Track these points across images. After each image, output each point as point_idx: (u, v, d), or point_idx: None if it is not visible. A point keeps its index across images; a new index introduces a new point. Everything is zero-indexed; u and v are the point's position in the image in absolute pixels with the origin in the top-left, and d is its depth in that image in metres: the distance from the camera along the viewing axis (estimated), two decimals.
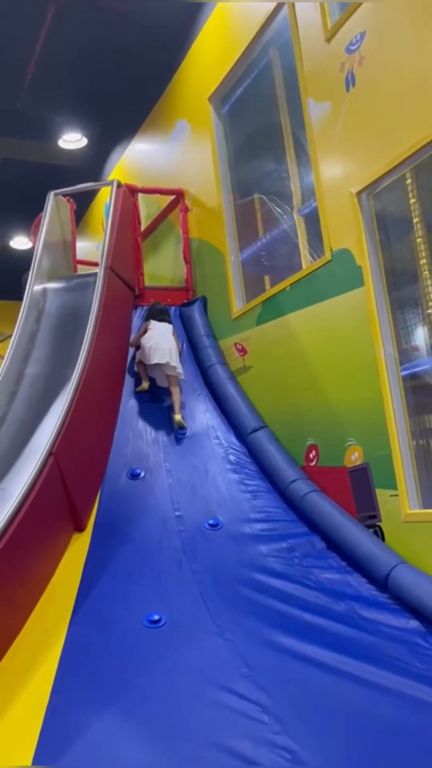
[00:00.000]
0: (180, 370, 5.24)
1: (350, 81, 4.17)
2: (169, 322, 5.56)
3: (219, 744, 2.46)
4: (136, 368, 5.46)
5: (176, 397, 5.14)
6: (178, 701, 2.74)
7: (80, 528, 3.99)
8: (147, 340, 5.31)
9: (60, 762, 2.40)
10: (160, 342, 5.25)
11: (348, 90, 4.19)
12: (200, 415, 5.23)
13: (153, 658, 3.04)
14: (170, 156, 6.80)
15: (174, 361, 5.20)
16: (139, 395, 5.29)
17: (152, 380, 5.37)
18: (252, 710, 2.65)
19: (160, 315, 5.58)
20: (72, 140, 7.88)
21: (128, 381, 5.40)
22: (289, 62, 5.03)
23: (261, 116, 5.64)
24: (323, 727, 2.63)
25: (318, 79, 4.51)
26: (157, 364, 5.18)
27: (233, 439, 4.98)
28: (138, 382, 5.37)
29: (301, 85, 4.71)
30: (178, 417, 5.04)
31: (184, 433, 5.01)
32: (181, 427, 5.02)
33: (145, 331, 5.44)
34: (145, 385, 5.28)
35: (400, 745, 2.54)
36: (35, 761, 2.43)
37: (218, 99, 6.01)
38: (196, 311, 5.98)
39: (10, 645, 3.07)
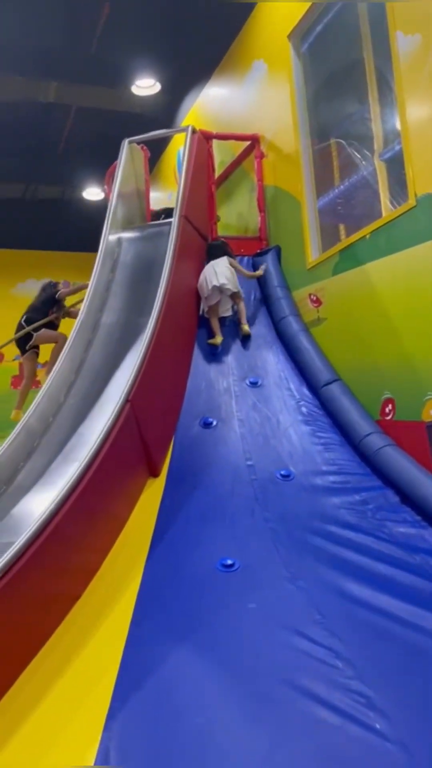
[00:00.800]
0: (237, 289, 5.35)
1: None
2: (222, 256, 5.46)
3: (292, 684, 2.50)
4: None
5: (241, 310, 5.39)
6: (252, 642, 2.80)
7: (155, 473, 4.08)
8: (200, 283, 5.36)
9: (139, 694, 2.51)
10: (209, 276, 5.30)
11: None
12: (272, 367, 5.19)
13: (226, 601, 3.10)
14: (246, 99, 6.59)
15: (228, 282, 5.25)
16: (212, 347, 5.29)
17: (222, 320, 5.38)
18: (325, 655, 2.68)
19: (212, 254, 5.51)
20: (145, 86, 7.76)
21: (201, 332, 5.41)
22: None
23: (343, 54, 5.37)
24: (396, 676, 2.63)
25: (408, 10, 4.22)
26: (212, 293, 5.24)
27: (306, 391, 4.93)
28: (210, 335, 5.36)
29: (389, 18, 4.43)
30: (245, 327, 5.32)
31: (249, 340, 5.32)
32: (246, 335, 5.30)
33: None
34: (218, 339, 5.25)
35: None
36: (116, 689, 2.55)
37: (298, 36, 5.74)
38: (269, 261, 5.87)
39: (90, 580, 3.20)
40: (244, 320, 5.37)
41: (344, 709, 2.37)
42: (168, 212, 5.85)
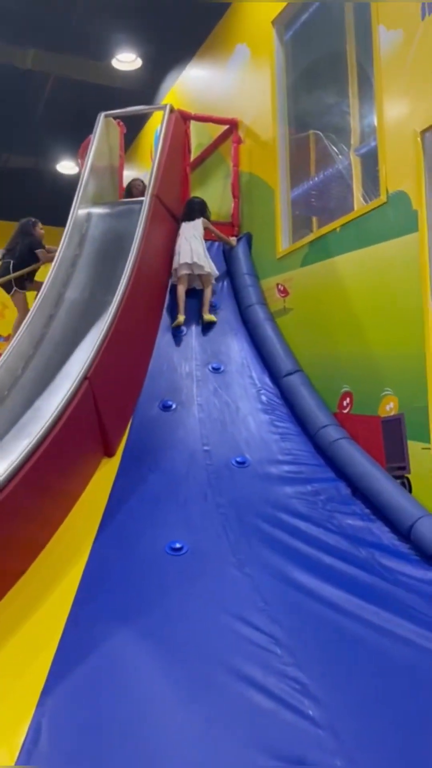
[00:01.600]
0: (209, 268, 5.30)
1: (427, 8, 3.89)
2: (198, 218, 5.47)
3: (231, 668, 2.52)
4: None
5: (206, 297, 5.31)
6: (194, 626, 2.81)
7: (110, 453, 4.04)
8: (176, 247, 5.35)
9: (77, 671, 2.50)
10: (182, 244, 5.31)
11: (423, 18, 3.92)
12: (236, 354, 5.18)
13: (172, 584, 3.11)
14: (227, 83, 6.52)
15: (200, 259, 5.25)
16: (177, 329, 5.25)
17: (192, 291, 5.37)
18: (265, 641, 2.71)
19: (188, 214, 5.54)
20: (126, 60, 7.60)
21: (167, 312, 5.36)
22: None
23: (326, 44, 5.34)
24: (334, 664, 2.68)
25: (391, 5, 4.22)
26: (181, 267, 5.23)
27: (267, 380, 4.94)
28: (175, 311, 5.30)
29: (373, 11, 4.42)
30: (206, 315, 5.23)
31: (212, 326, 5.24)
32: (208, 323, 5.22)
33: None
34: (181, 318, 5.21)
35: (407, 687, 2.57)
36: (53, 666, 2.54)
37: (282, 23, 5.69)
38: (239, 248, 5.84)
39: (37, 556, 3.17)
40: (207, 307, 5.28)
41: (279, 695, 2.40)
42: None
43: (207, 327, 5.34)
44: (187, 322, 5.31)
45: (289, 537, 3.50)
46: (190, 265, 5.28)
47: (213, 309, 5.50)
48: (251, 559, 3.29)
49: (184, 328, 5.26)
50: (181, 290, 5.29)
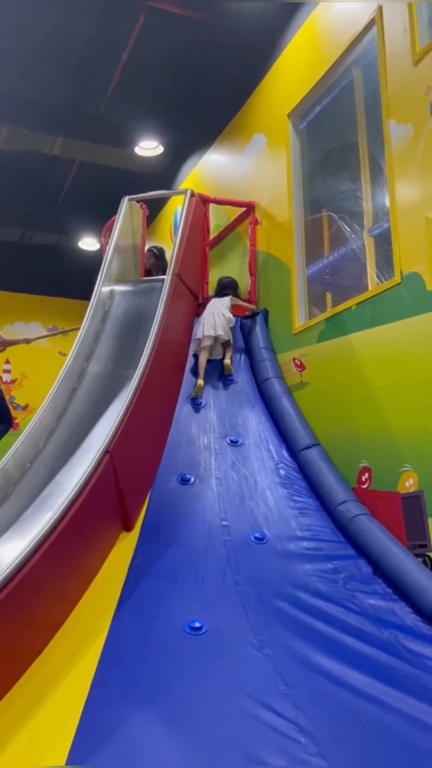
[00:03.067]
0: (229, 337, 5.68)
1: None
2: (228, 294, 5.99)
3: (254, 757, 2.44)
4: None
5: (228, 351, 5.67)
6: (215, 711, 2.74)
7: (129, 527, 4.04)
8: (201, 319, 5.76)
9: (96, 757, 2.43)
10: (207, 317, 5.71)
11: None
12: (253, 427, 5.23)
13: (192, 665, 3.04)
14: (244, 169, 6.87)
15: (223, 332, 5.64)
16: (195, 400, 5.33)
17: (210, 362, 5.64)
18: (288, 728, 2.63)
19: (220, 291, 6.07)
20: (148, 147, 8.06)
21: (184, 386, 5.46)
22: (372, 83, 5.02)
23: (339, 135, 5.65)
24: (360, 754, 2.58)
25: (402, 102, 4.50)
26: (206, 338, 5.59)
27: (285, 453, 4.96)
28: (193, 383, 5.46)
29: (384, 107, 4.70)
30: (227, 362, 5.58)
31: (232, 380, 5.54)
32: (229, 373, 5.55)
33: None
34: (201, 383, 5.39)
35: None
36: (72, 752, 2.47)
37: (297, 115, 6.05)
38: (257, 324, 6.00)
39: (55, 633, 3.13)
40: (228, 358, 5.66)
41: None
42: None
43: (226, 398, 5.43)
44: (206, 395, 5.41)
45: (310, 617, 3.43)
46: (214, 337, 5.62)
47: (231, 381, 5.63)
48: (272, 640, 3.23)
49: (203, 401, 5.34)
50: (203, 358, 5.58)
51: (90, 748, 2.48)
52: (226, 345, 5.71)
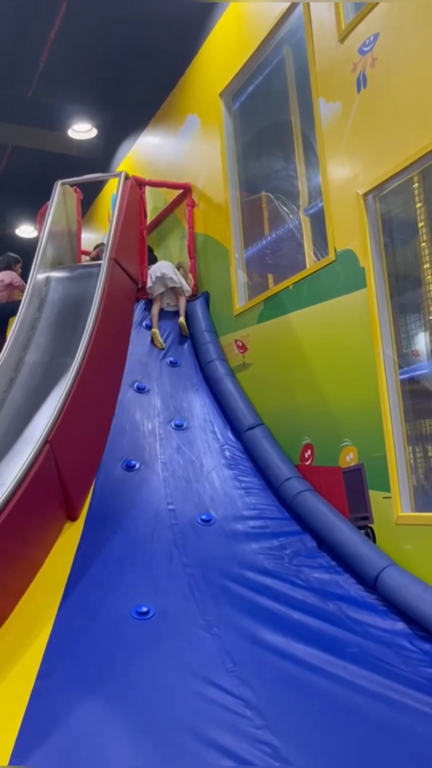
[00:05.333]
0: (184, 285, 5.99)
1: (362, 82, 4.17)
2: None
3: (201, 735, 2.47)
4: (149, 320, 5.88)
5: (182, 304, 5.93)
6: (163, 692, 2.75)
7: (73, 517, 3.99)
8: (150, 273, 6.05)
9: (42, 747, 2.41)
10: (154, 270, 6.04)
11: (359, 91, 4.19)
12: (198, 410, 5.23)
13: (139, 649, 3.05)
14: (179, 150, 6.79)
15: (174, 275, 5.96)
16: (139, 384, 5.29)
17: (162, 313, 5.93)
18: (235, 704, 2.66)
19: (150, 258, 6.37)
20: (82, 130, 7.89)
21: (127, 372, 5.41)
22: (301, 61, 5.02)
23: (271, 114, 5.64)
24: (305, 724, 2.64)
25: (330, 79, 4.51)
26: (156, 284, 5.92)
27: (230, 435, 4.99)
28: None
29: (313, 85, 4.71)
30: (181, 320, 5.82)
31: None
32: (185, 333, 5.78)
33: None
34: (155, 330, 5.73)
35: (380, 744, 2.55)
36: (17, 743, 2.44)
37: (229, 95, 6.00)
38: (198, 307, 5.98)
39: None
40: (182, 313, 5.88)
41: (250, 760, 2.36)
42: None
43: (170, 382, 5.41)
44: (149, 380, 5.37)
45: (257, 595, 3.48)
46: (162, 279, 5.93)
47: (174, 365, 5.61)
48: (219, 619, 3.26)
49: (146, 384, 5.31)
50: (155, 308, 5.92)
51: (36, 739, 2.46)
52: (177, 293, 5.95)
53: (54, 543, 3.80)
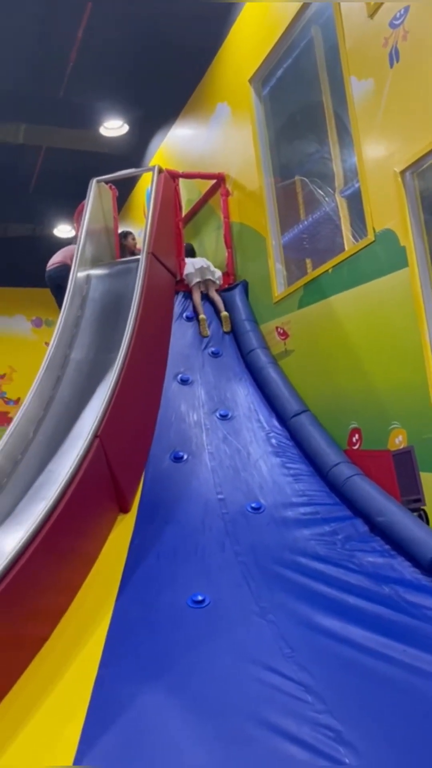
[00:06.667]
0: (217, 276, 6.12)
1: (394, 57, 4.08)
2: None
3: (263, 721, 2.49)
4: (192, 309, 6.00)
5: (217, 299, 6.00)
6: (222, 679, 2.78)
7: (125, 509, 4.06)
8: (186, 267, 6.11)
9: (108, 734, 2.48)
10: (187, 265, 6.11)
11: (392, 66, 4.10)
12: (242, 399, 5.24)
13: (197, 638, 3.09)
14: (211, 140, 6.78)
15: (211, 266, 6.11)
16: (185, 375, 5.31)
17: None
18: (295, 690, 2.68)
19: (190, 255, 6.45)
20: (113, 127, 7.92)
21: (169, 364, 5.45)
22: (331, 40, 4.94)
23: (302, 97, 5.57)
24: (366, 708, 2.63)
25: (361, 56, 4.42)
26: (194, 274, 6.03)
27: (275, 422, 4.98)
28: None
29: (344, 63, 4.62)
30: (225, 314, 5.86)
31: (229, 334, 5.78)
32: (227, 326, 5.80)
33: None
34: (202, 317, 5.79)
35: None
36: (84, 732, 2.51)
37: (258, 80, 5.95)
38: (237, 296, 5.98)
39: (59, 620, 3.16)
40: (222, 307, 5.94)
41: (313, 744, 2.36)
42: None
43: (213, 372, 5.43)
44: (192, 371, 5.41)
45: (311, 580, 3.48)
46: (201, 270, 6.04)
47: (216, 355, 5.63)
48: (274, 605, 3.28)
49: (189, 376, 5.35)
50: (196, 296, 6.02)
51: (102, 725, 2.52)
52: (210, 285, 6.04)
53: (108, 536, 3.88)
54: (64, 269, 6.22)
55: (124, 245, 6.33)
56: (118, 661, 2.91)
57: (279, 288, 5.57)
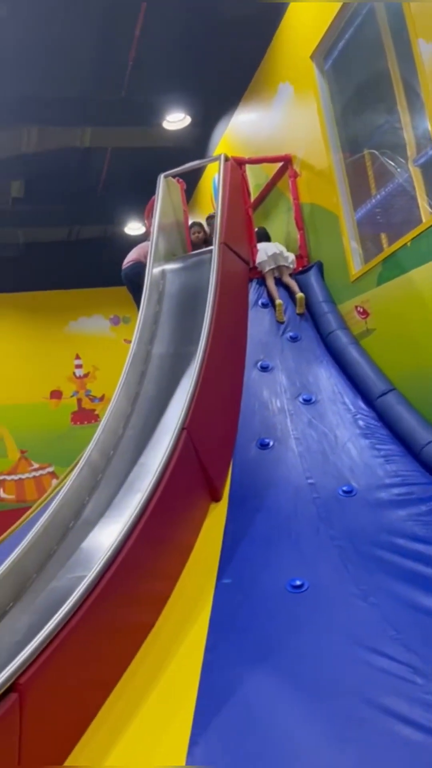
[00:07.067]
0: (291, 260, 6.06)
1: None
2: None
3: (374, 702, 2.48)
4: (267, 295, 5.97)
5: (292, 282, 5.93)
6: (329, 662, 2.79)
7: (217, 498, 4.11)
8: (259, 254, 6.06)
9: (220, 717, 2.53)
10: (260, 252, 6.07)
11: None
12: (325, 382, 5.18)
13: (299, 622, 3.10)
14: (275, 122, 6.70)
15: (278, 249, 6.05)
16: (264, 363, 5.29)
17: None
18: (404, 671, 2.64)
19: (259, 239, 6.35)
20: (176, 120, 7.97)
21: (248, 352, 5.45)
22: (394, 5, 4.75)
23: (367, 67, 5.40)
24: None
25: (428, 18, 4.24)
26: (272, 257, 5.98)
27: (361, 404, 4.89)
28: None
29: (410, 27, 4.44)
30: (300, 295, 5.77)
31: (302, 315, 5.76)
32: (301, 308, 5.74)
33: None
34: (279, 302, 5.75)
35: None
36: (196, 715, 2.58)
37: (320, 55, 5.81)
38: (312, 278, 5.90)
39: (163, 607, 3.26)
40: (297, 290, 5.86)
41: (427, 726, 2.33)
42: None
43: (293, 357, 5.40)
44: (271, 357, 5.39)
45: (411, 562, 3.41)
46: (274, 257, 5.97)
47: (294, 340, 5.59)
48: (375, 588, 3.24)
49: (269, 363, 5.33)
50: (270, 282, 5.99)
51: (214, 708, 2.58)
52: (284, 271, 5.98)
53: (202, 524, 3.95)
54: (139, 266, 6.34)
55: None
56: (223, 645, 2.96)
57: (356, 266, 5.45)
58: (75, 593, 2.66)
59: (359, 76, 5.57)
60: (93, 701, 2.69)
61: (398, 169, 5.19)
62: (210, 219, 6.40)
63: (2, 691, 2.21)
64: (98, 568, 2.82)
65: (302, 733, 2.39)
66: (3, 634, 2.77)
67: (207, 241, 6.36)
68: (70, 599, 2.63)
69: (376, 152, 5.45)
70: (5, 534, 5.64)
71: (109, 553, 2.91)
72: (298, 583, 3.31)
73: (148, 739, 2.55)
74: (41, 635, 2.43)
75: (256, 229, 6.40)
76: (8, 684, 2.24)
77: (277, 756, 2.31)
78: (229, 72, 7.11)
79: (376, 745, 2.30)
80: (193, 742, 2.43)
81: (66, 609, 2.57)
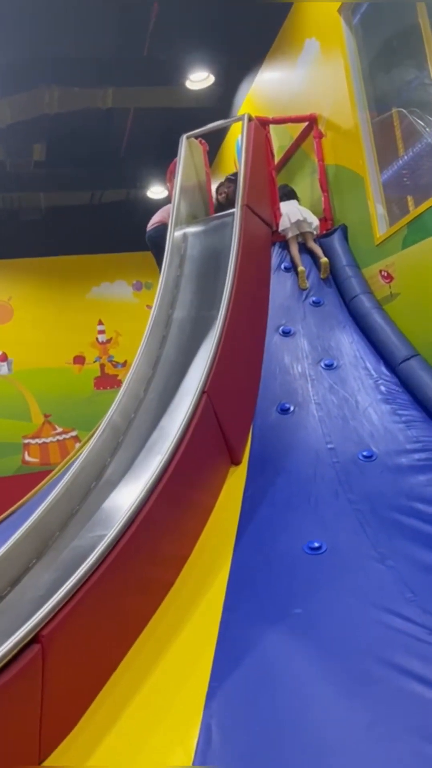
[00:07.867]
0: (315, 226, 5.95)
1: None
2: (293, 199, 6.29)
3: (389, 662, 2.51)
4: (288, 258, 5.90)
5: (315, 247, 5.86)
6: (345, 622, 2.82)
7: (236, 461, 4.14)
8: (282, 219, 5.94)
9: (238, 671, 2.59)
10: (283, 217, 5.94)
11: None
12: (347, 348, 5.14)
13: (316, 583, 3.14)
14: (300, 80, 6.52)
15: (308, 216, 5.94)
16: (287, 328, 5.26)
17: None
18: (420, 632, 2.67)
19: (286, 197, 6.24)
20: (198, 80, 7.80)
21: (270, 317, 5.42)
22: None
23: (397, 21, 5.20)
24: None
25: None
26: (295, 224, 5.87)
27: (383, 369, 4.85)
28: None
29: None
30: (325, 259, 5.69)
31: (326, 279, 5.70)
32: (326, 265, 5.66)
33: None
34: (301, 269, 5.68)
35: None
36: (214, 670, 2.64)
37: (349, 9, 5.61)
38: (336, 241, 5.80)
39: (183, 566, 3.32)
40: (321, 253, 5.79)
41: None
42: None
43: (315, 322, 5.36)
44: (293, 322, 5.35)
45: (430, 526, 3.41)
46: (298, 224, 5.89)
47: (317, 304, 5.54)
48: (393, 551, 3.25)
49: (291, 327, 5.30)
50: (293, 249, 5.90)
51: (232, 663, 2.64)
52: (308, 236, 5.89)
53: (221, 487, 3.98)
54: (163, 228, 6.27)
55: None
56: (241, 604, 3.01)
57: (381, 229, 5.34)
58: (96, 550, 2.72)
59: (388, 31, 5.37)
60: (114, 655, 2.77)
61: (427, 129, 5.03)
62: (231, 178, 6.28)
63: (26, 642, 2.28)
64: (119, 527, 2.87)
65: (315, 687, 2.44)
66: (26, 589, 2.86)
67: (231, 200, 6.26)
68: (92, 555, 2.69)
69: (405, 111, 5.28)
70: (29, 495, 5.76)
71: (129, 513, 2.96)
72: (316, 545, 3.34)
73: (166, 691, 2.62)
74: (63, 590, 2.50)
75: (282, 188, 6.29)
76: (31, 636, 2.31)
77: (290, 707, 2.36)
78: (254, 28, 6.91)
79: (388, 701, 2.34)
80: (211, 694, 2.50)
81: (87, 565, 2.63)
